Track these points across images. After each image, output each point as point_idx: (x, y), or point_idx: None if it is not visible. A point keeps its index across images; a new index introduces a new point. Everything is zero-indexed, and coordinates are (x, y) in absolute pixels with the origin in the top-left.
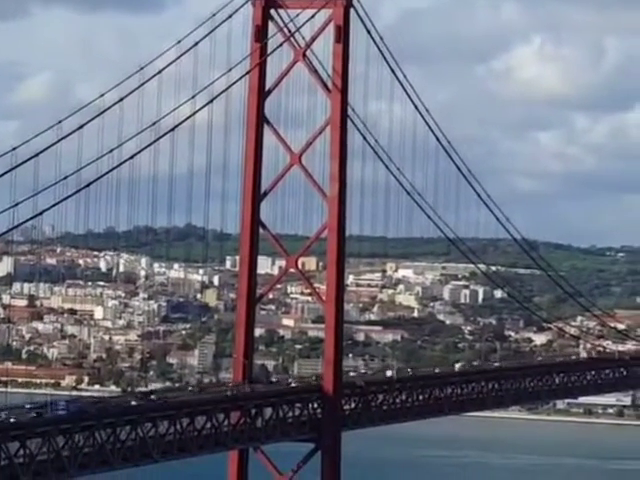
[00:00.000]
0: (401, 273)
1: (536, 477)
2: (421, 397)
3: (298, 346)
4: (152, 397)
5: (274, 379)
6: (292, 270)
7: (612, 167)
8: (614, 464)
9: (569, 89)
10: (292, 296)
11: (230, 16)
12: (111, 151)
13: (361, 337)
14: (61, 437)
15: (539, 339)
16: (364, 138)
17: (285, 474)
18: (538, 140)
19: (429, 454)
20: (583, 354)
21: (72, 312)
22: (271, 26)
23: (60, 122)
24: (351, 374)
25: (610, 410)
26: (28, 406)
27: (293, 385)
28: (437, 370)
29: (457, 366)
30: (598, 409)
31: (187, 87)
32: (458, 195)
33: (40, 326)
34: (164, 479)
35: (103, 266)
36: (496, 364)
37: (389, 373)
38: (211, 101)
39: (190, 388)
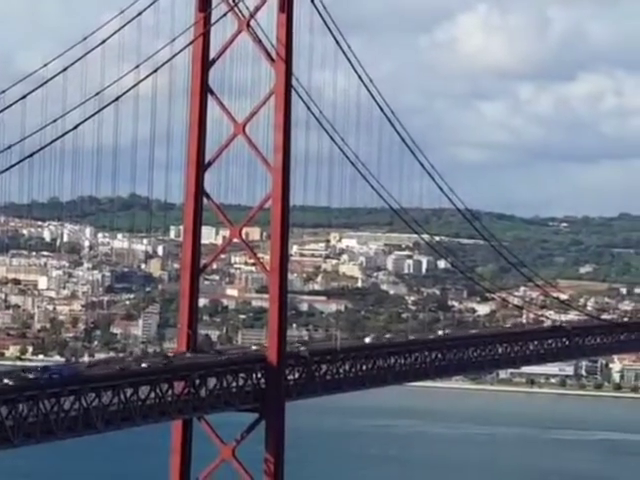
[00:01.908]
0: (345, 243)
1: (475, 446)
2: (364, 367)
3: (242, 316)
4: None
5: (219, 349)
6: (236, 240)
7: (556, 137)
8: (554, 434)
9: (514, 60)
10: (236, 266)
11: None
12: (55, 121)
13: (305, 307)
14: (4, 407)
15: (482, 309)
16: (308, 108)
17: (229, 444)
18: (482, 111)
19: (372, 424)
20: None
21: (16, 282)
22: None
23: (3, 92)
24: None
25: (553, 380)
26: None
27: (255, 349)
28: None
29: (367, 340)
30: (541, 379)
31: (131, 57)
32: (402, 165)
33: None
34: (109, 450)
35: (47, 236)
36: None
37: (367, 340)
38: (155, 71)
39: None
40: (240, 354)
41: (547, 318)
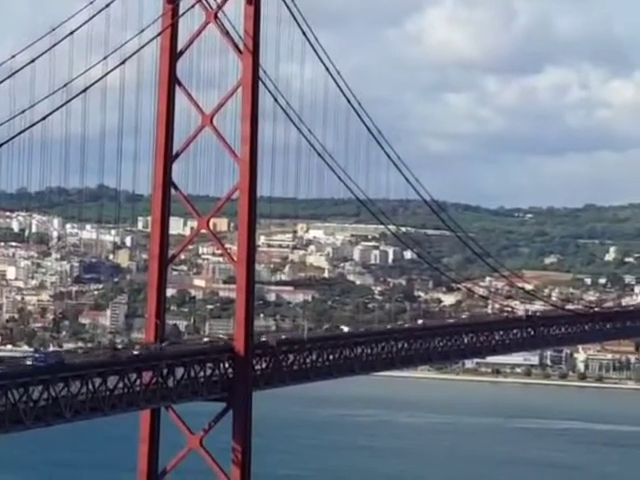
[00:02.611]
0: (312, 234)
1: (440, 435)
2: (332, 357)
3: (209, 306)
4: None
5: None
6: (204, 231)
7: (522, 129)
8: (518, 423)
9: (480, 52)
10: (204, 257)
11: None
12: (23, 112)
13: (272, 297)
14: None
15: (448, 299)
16: (275, 100)
17: (197, 433)
18: (449, 102)
19: (338, 413)
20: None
21: None
22: None
23: None
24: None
25: (518, 370)
26: None
27: (223, 338)
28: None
29: (345, 329)
30: (506, 369)
31: (99, 48)
32: (369, 157)
33: None
34: (77, 440)
35: (15, 226)
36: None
37: (345, 329)
38: (123, 62)
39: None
40: (208, 344)
41: (515, 308)
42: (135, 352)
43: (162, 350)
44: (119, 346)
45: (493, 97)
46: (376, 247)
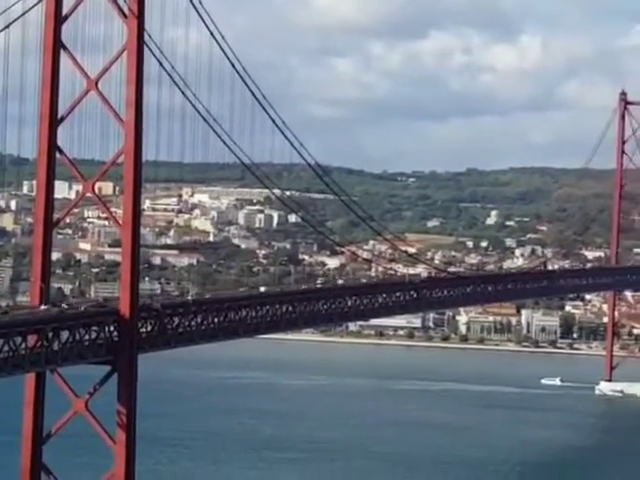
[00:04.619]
0: (197, 198)
1: (321, 397)
2: (216, 320)
3: (95, 270)
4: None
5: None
6: (89, 194)
7: (406, 94)
8: (399, 384)
9: (365, 16)
10: (89, 220)
11: None
12: None
13: (157, 261)
14: None
15: (332, 262)
16: (160, 64)
17: (82, 396)
18: (334, 67)
19: (223, 376)
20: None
21: None
22: None
23: None
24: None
25: (401, 332)
26: None
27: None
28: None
29: (262, 289)
30: (389, 331)
31: None
32: (253, 121)
33: None
34: None
35: None
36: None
37: (262, 289)
38: (7, 26)
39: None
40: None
41: (395, 271)
42: (20, 315)
43: (47, 313)
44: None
45: (378, 62)
46: (261, 211)
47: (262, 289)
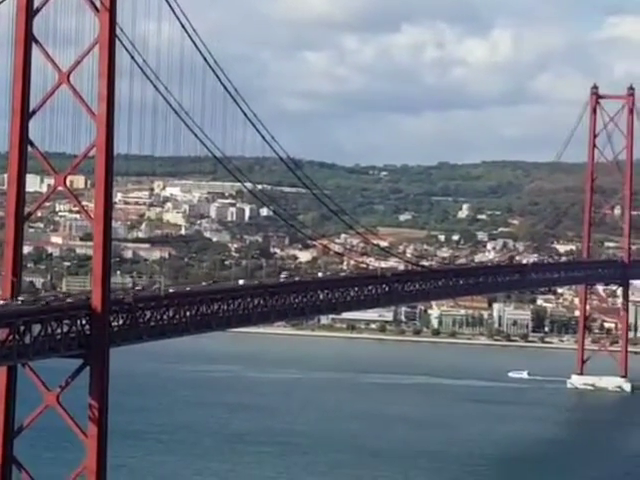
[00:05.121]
0: (169, 191)
1: (291, 391)
2: (188, 313)
3: (66, 263)
4: None
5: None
6: (60, 188)
7: (378, 88)
8: (370, 378)
9: (338, 11)
10: (60, 214)
11: None
12: None
13: (129, 254)
14: None
15: (304, 256)
16: (132, 58)
17: (53, 390)
18: (307, 60)
19: (194, 369)
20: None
21: None
22: None
23: None
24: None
25: (373, 325)
26: None
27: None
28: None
29: (240, 282)
30: (361, 324)
31: None
32: (225, 115)
33: None
34: None
35: None
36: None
37: (241, 282)
38: None
39: None
40: (64, 300)
41: (367, 265)
42: None
43: (19, 307)
44: None
45: (351, 56)
46: (233, 204)
47: (241, 282)
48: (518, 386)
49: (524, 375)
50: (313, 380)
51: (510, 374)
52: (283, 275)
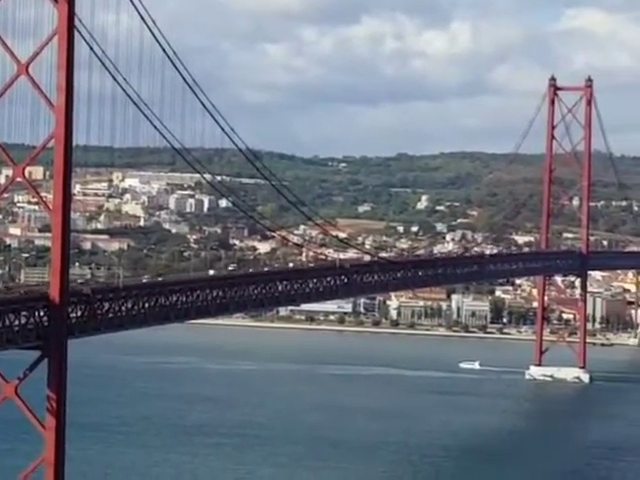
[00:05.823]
0: (127, 182)
1: (249, 382)
2: (147, 305)
3: (25, 255)
4: None
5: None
6: (19, 179)
7: (337, 79)
8: (328, 369)
9: (297, 2)
10: (19, 205)
11: None
12: None
13: (88, 246)
14: None
15: (263, 247)
16: (91, 49)
17: (11, 382)
18: (266, 52)
19: (152, 361)
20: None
21: None
22: None
23: None
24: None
25: (332, 317)
26: None
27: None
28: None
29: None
30: (320, 316)
31: None
32: (184, 106)
33: None
34: None
35: None
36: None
37: (211, 272)
38: None
39: None
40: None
41: (326, 256)
42: None
43: None
44: None
45: (309, 47)
46: (191, 196)
47: (211, 272)
48: (477, 377)
49: (475, 366)
50: (272, 372)
51: (461, 365)
52: (231, 267)
